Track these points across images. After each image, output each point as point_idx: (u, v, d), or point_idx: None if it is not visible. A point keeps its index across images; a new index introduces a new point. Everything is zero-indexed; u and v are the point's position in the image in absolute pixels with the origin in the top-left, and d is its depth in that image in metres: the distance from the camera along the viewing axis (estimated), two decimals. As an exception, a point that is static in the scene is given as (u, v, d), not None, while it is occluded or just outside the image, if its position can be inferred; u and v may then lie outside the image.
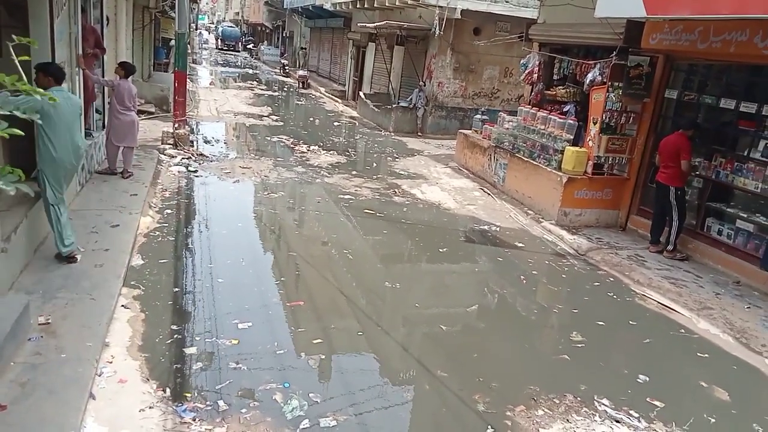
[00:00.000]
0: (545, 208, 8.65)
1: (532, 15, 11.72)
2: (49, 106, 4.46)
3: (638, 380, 4.53)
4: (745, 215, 6.81)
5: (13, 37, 3.34)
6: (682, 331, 5.50)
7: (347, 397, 3.96)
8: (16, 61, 3.85)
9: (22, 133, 3.14)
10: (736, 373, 4.86)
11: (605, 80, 8.11)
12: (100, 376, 3.75)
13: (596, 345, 5.12)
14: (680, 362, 5.01)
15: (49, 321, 4.13)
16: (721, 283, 6.52)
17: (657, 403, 4.22)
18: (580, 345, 5.04)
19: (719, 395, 4.47)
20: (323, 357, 4.39)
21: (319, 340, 4.61)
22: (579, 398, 4.18)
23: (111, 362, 3.92)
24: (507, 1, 14.67)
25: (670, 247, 7.22)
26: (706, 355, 5.09)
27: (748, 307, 5.91)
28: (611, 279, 6.65)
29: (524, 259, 7.18)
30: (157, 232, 6.50)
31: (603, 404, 4.13)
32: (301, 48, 33.38)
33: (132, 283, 5.14)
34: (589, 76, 8.48)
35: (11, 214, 4.78)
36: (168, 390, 3.73)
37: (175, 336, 4.40)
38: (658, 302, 6.04)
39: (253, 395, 3.79)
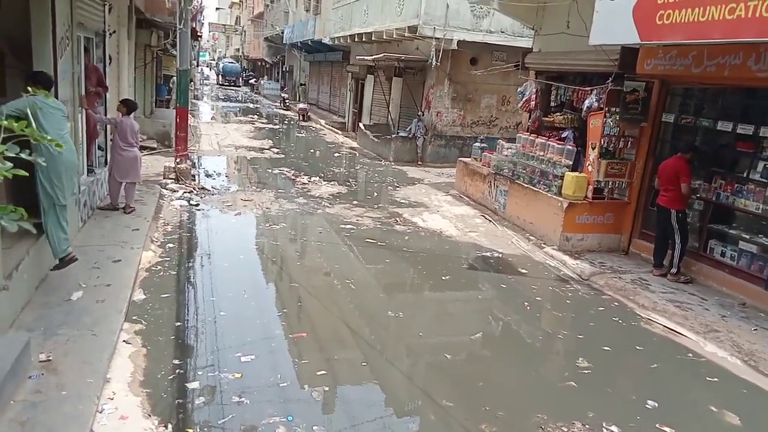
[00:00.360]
0: (547, 234, 8.64)
1: (528, 44, 11.90)
2: (36, 109, 4.62)
3: (647, 406, 4.45)
4: (748, 236, 6.79)
5: (29, 89, 3.46)
6: (690, 354, 5.44)
7: (352, 429, 3.91)
8: (28, 109, 3.93)
9: (26, 173, 3.19)
10: (746, 397, 4.78)
11: (602, 106, 8.19)
12: (101, 412, 3.70)
13: (603, 371, 5.06)
14: (689, 386, 4.94)
15: (50, 358, 4.10)
16: (726, 305, 6.47)
17: (667, 429, 4.15)
18: (586, 371, 4.98)
19: (730, 420, 4.40)
20: (327, 389, 4.33)
21: (322, 372, 4.56)
22: (587, 426, 4.11)
23: (112, 398, 3.88)
24: (502, 32, 14.91)
25: (673, 270, 7.18)
26: (715, 379, 5.01)
27: (755, 329, 5.85)
28: (616, 303, 6.61)
29: (527, 285, 7.14)
30: (159, 267, 6.49)
31: None
32: (301, 84, 33.89)
33: (134, 317, 5.12)
34: (586, 103, 8.57)
35: (13, 251, 4.79)
36: (170, 426, 3.68)
37: (178, 371, 4.36)
38: (664, 326, 5.99)
39: (256, 429, 3.74)
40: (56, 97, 5.73)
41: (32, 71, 5.37)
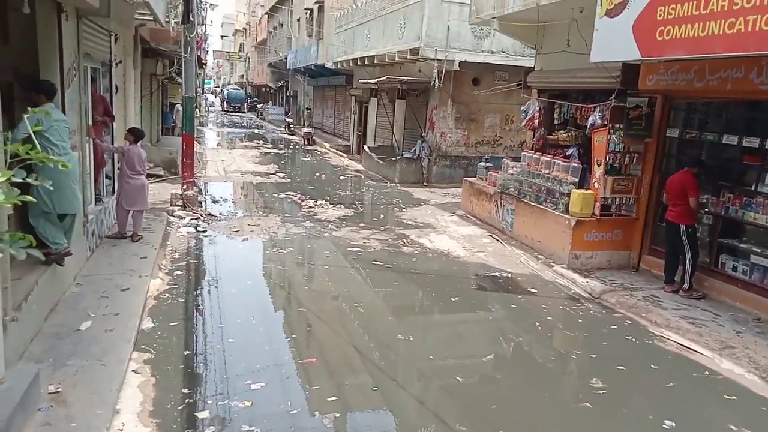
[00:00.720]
0: (556, 252, 8.59)
1: (529, 63, 11.98)
2: (42, 121, 4.69)
3: (664, 426, 4.37)
4: (759, 250, 6.72)
5: (29, 109, 3.48)
6: (706, 372, 5.34)
7: (364, 456, 3.84)
8: (30, 131, 3.98)
9: (34, 200, 3.21)
10: (766, 415, 4.68)
11: (606, 122, 8.20)
12: (110, 445, 3.66)
13: (618, 391, 4.97)
14: (706, 405, 4.84)
15: (59, 389, 4.08)
16: (740, 320, 6.38)
17: (686, 450, 4.06)
18: (601, 391, 4.89)
19: (751, 439, 4.30)
20: (338, 415, 4.28)
21: (333, 398, 4.51)
22: (605, 448, 4.03)
23: (122, 429, 3.84)
24: (503, 52, 15.04)
25: (685, 286, 7.11)
26: (734, 397, 4.91)
27: (772, 345, 5.76)
28: (628, 321, 6.53)
29: (538, 304, 7.08)
30: (167, 294, 6.48)
31: (630, 453, 3.98)
32: (307, 108, 34.21)
33: (142, 347, 5.09)
34: (590, 120, 8.59)
35: (22, 282, 4.79)
36: (180, 457, 3.63)
37: (187, 400, 4.32)
38: (678, 343, 5.90)
39: (267, 459, 3.68)
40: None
41: (35, 80, 5.40)
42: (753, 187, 6.83)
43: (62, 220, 5.42)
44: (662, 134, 8.04)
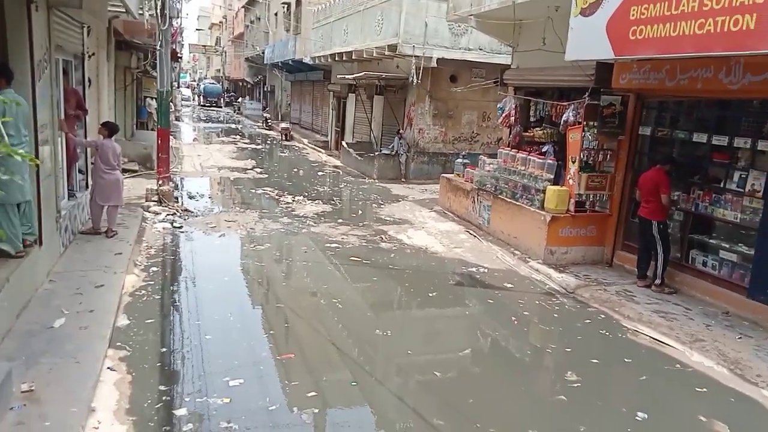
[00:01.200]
0: (531, 248, 8.70)
1: (506, 61, 12.07)
2: (7, 112, 4.60)
3: (637, 418, 4.47)
4: (728, 246, 6.90)
5: None
6: (678, 365, 5.47)
7: (343, 451, 3.85)
8: (-1, 125, 3.88)
9: (3, 193, 3.15)
10: (734, 406, 4.83)
11: (580, 120, 8.32)
12: (86, 443, 3.62)
13: (592, 384, 5.07)
14: (677, 397, 4.97)
15: (33, 388, 4.00)
16: (710, 314, 6.55)
17: (658, 440, 4.16)
18: (576, 385, 4.99)
19: (719, 429, 4.43)
20: (317, 411, 4.29)
21: (312, 394, 4.51)
22: (579, 440, 4.11)
23: (97, 428, 3.79)
24: (481, 49, 15.15)
25: (657, 281, 7.27)
26: (704, 390, 5.04)
27: (740, 338, 5.93)
28: (602, 316, 6.65)
29: (514, 299, 7.17)
30: (143, 291, 6.40)
31: (603, 445, 4.07)
32: (288, 104, 33.99)
33: (118, 344, 5.02)
34: (565, 117, 8.71)
35: (-7, 279, 4.70)
36: (157, 455, 3.61)
37: (164, 397, 4.28)
38: (651, 337, 6.04)
39: (245, 455, 3.67)
40: (35, 119, 5.66)
41: None
42: (722, 184, 7.01)
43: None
44: (635, 132, 8.19)
